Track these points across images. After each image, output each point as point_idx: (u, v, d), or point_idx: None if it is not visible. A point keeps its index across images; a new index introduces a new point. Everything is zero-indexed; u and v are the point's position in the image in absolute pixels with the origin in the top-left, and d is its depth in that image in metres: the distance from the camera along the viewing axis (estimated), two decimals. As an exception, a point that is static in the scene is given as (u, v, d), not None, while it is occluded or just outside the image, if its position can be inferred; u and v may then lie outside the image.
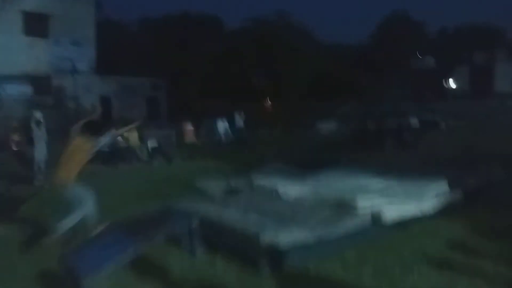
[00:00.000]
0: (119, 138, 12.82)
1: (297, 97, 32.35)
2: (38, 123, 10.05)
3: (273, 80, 34.39)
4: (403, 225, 5.55)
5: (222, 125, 17.02)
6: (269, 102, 34.72)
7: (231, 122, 18.05)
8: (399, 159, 11.12)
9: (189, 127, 17.19)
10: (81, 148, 5.48)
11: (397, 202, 5.87)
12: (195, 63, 31.91)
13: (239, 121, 18.71)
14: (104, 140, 5.88)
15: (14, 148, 13.70)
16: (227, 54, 33.03)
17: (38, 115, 10.17)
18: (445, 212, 6.06)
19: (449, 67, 38.48)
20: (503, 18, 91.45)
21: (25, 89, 21.09)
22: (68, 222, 5.27)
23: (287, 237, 4.64)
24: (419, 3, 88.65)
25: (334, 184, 6.83)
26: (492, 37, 42.63)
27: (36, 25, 21.86)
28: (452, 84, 38.74)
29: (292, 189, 6.37)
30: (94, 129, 5.64)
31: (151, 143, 13.02)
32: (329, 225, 5.10)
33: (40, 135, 9.73)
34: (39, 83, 21.76)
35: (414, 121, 19.94)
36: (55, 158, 10.91)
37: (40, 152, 9.63)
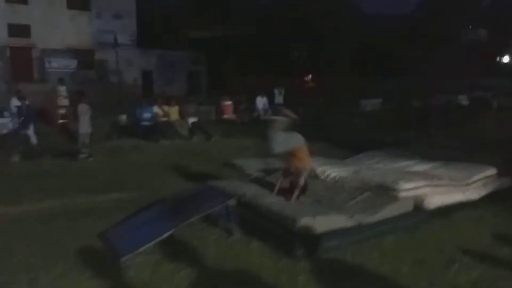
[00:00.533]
0: (160, 113, 13.01)
1: (339, 72, 31.53)
2: (82, 96, 10.30)
3: (314, 54, 33.64)
4: (446, 211, 5.35)
5: (261, 101, 16.88)
6: (310, 77, 34.11)
7: (271, 98, 17.87)
8: (445, 140, 10.69)
9: (228, 103, 17.17)
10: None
11: (441, 186, 5.64)
12: (235, 37, 31.63)
13: (279, 97, 18.51)
14: None
15: (60, 121, 14.17)
16: (267, 27, 32.48)
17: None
18: (492, 199, 5.78)
19: (503, 41, 36.26)
20: None
21: (70, 63, 21.65)
22: None
23: (323, 221, 4.57)
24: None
25: (375, 166, 6.65)
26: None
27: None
28: (506, 59, 36.63)
29: (332, 171, 6.23)
30: None
31: (191, 119, 13.11)
32: (368, 210, 4.98)
33: (84, 109, 9.95)
34: (83, 56, 22.28)
35: (463, 99, 19.11)
36: (99, 132, 11.38)
37: (84, 126, 9.87)
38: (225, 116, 16.43)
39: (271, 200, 5.22)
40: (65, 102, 14.79)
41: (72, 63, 21.85)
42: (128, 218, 5.40)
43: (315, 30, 32.00)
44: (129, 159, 9.64)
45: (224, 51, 30.80)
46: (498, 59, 36.31)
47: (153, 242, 4.22)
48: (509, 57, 36.51)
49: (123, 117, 13.27)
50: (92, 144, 10.11)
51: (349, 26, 32.53)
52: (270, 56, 31.70)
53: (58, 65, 21.17)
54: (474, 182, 5.90)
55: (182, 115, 13.22)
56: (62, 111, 14.47)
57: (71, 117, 12.60)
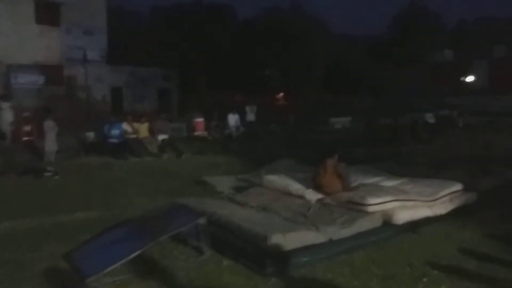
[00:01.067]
0: (129, 130, 12.81)
1: (310, 91, 32.02)
2: (48, 113, 10.06)
3: (286, 73, 34.06)
4: (414, 226, 5.43)
5: (233, 119, 16.89)
6: (282, 95, 34.43)
7: (242, 116, 17.90)
8: (413, 157, 10.91)
9: (199, 120, 17.10)
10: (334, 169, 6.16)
11: (409, 201, 5.73)
12: (207, 53, 31.74)
13: (251, 114, 18.57)
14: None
15: (24, 138, 13.73)
16: (239, 45, 32.75)
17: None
18: (458, 214, 5.91)
19: (467, 61, 37.71)
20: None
21: (37, 78, 21.15)
22: None
23: (294, 237, 4.55)
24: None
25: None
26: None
27: (47, 13, 21.87)
28: (470, 79, 38.02)
29: (301, 186, 6.25)
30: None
31: (162, 136, 12.96)
32: (338, 225, 4.99)
33: (51, 126, 9.72)
34: (51, 72, 21.81)
35: (430, 117, 19.66)
36: (66, 149, 11.10)
37: (50, 143, 9.62)
38: (196, 133, 16.33)
39: (242, 218, 5.17)
40: (9, 117, 14.24)
41: (39, 79, 21.33)
42: (95, 237, 5.21)
43: (287, 49, 32.49)
44: (96, 177, 9.41)
45: (196, 68, 30.82)
46: (462, 79, 37.65)
47: (120, 262, 4.08)
48: (473, 77, 37.93)
49: (91, 134, 13.01)
50: (58, 161, 9.86)
51: (320, 46, 33.19)
52: (242, 73, 31.91)
53: (24, 81, 20.60)
54: (441, 197, 6.02)
55: (152, 132, 13.07)
56: (27, 128, 14.04)
57: (37, 134, 12.26)
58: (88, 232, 5.40)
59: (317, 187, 6.14)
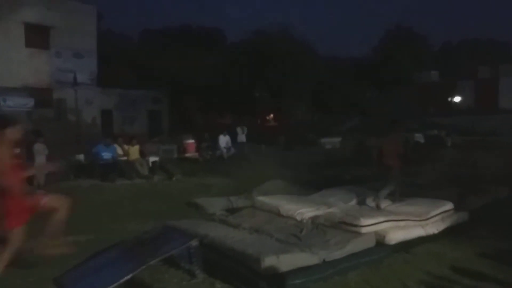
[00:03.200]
0: (120, 152, 12.74)
1: (300, 112, 32.27)
2: (38, 136, 9.99)
3: (275, 94, 34.31)
4: (407, 246, 5.43)
5: (223, 140, 16.91)
6: (272, 116, 34.63)
7: (233, 137, 17.94)
8: (403, 176, 10.96)
9: (190, 141, 17.08)
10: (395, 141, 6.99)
11: (401, 222, 5.75)
12: (197, 76, 31.91)
13: (241, 135, 18.61)
14: None
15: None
16: (228, 67, 33.01)
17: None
18: (450, 233, 5.93)
19: (454, 82, 38.44)
20: (507, 33, 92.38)
21: (26, 101, 21.06)
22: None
23: (288, 259, 4.52)
24: (422, 18, 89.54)
25: (337, 202, 6.71)
26: (495, 52, 42.66)
27: (37, 36, 21.91)
28: (457, 99, 38.68)
29: (294, 208, 6.23)
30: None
31: (152, 158, 12.91)
32: (331, 246, 4.98)
33: (40, 149, 9.63)
34: (40, 95, 21.75)
35: (419, 137, 19.88)
36: (56, 172, 10.95)
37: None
38: (187, 155, 16.30)
39: (234, 240, 5.13)
40: (20, 141, 14.19)
41: (29, 102, 21.23)
42: (85, 261, 5.14)
43: (276, 71, 32.80)
44: (86, 200, 9.28)
45: (186, 90, 30.91)
46: (449, 99, 38.28)
47: (111, 287, 4.02)
48: (460, 97, 38.60)
49: (81, 157, 12.91)
50: (47, 184, 9.73)
51: (308, 68, 33.55)
52: (232, 95, 32.05)
53: (13, 103, 20.48)
54: (433, 217, 6.05)
55: (143, 154, 13.02)
56: (16, 151, 13.88)
57: (26, 157, 12.12)
58: (78, 256, 5.32)
59: (379, 159, 6.98)
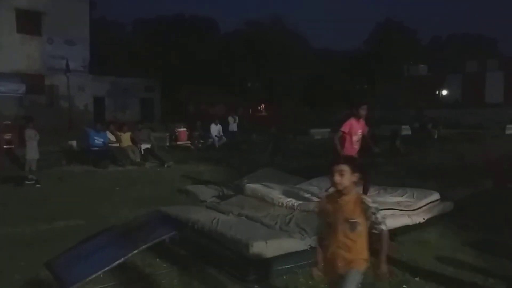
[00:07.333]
0: (112, 138, 12.75)
1: (291, 103, 32.37)
2: (29, 121, 9.95)
3: (267, 85, 34.37)
4: (393, 235, 5.53)
5: (215, 128, 16.96)
6: (264, 107, 34.71)
7: (225, 126, 18.00)
8: (391, 167, 11.12)
9: (182, 130, 17.11)
10: None
11: (388, 211, 5.86)
12: (189, 65, 31.82)
13: (233, 125, 18.67)
14: None
15: (5, 146, 13.52)
16: (221, 57, 32.95)
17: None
18: (436, 222, 6.06)
19: (442, 76, 38.71)
20: (494, 29, 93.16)
21: (18, 87, 20.90)
22: None
23: (276, 245, 4.61)
24: (412, 12, 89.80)
25: (325, 191, 6.80)
26: (483, 47, 43.01)
27: (28, 22, 21.70)
28: (445, 92, 38.98)
29: (284, 196, 6.33)
30: None
31: (144, 145, 12.93)
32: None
33: (32, 135, 9.61)
34: (32, 81, 21.59)
35: (406, 129, 20.08)
36: (48, 158, 10.95)
37: (31, 152, 9.51)
38: (179, 143, 16.34)
39: (224, 226, 5.21)
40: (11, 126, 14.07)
41: (20, 88, 21.07)
42: (76, 246, 5.20)
43: (268, 62, 32.83)
44: (78, 185, 9.35)
45: (179, 79, 30.84)
46: (437, 92, 38.56)
47: (102, 271, 4.07)
48: (447, 91, 38.89)
49: (73, 143, 12.90)
50: (39, 170, 9.74)
51: (299, 60, 33.61)
52: (224, 85, 32.04)
53: (5, 89, 20.31)
54: (420, 207, 6.17)
55: (135, 141, 13.04)
56: (7, 136, 13.84)
57: (17, 142, 12.11)
58: (69, 241, 5.38)
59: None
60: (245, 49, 32.87)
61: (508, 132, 21.81)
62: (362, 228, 2.83)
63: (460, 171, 9.68)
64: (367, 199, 2.92)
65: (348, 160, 2.95)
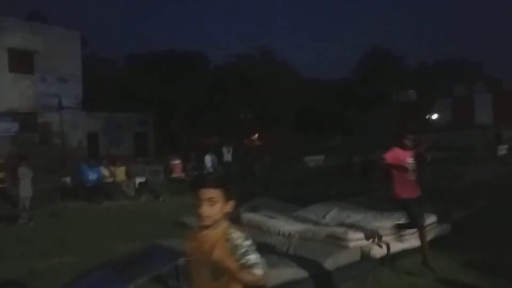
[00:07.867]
0: (106, 173, 12.72)
1: (284, 132, 32.61)
2: (22, 159, 9.92)
3: (260, 115, 34.69)
4: (391, 259, 5.52)
5: (210, 160, 16.96)
6: (257, 136, 34.85)
7: (219, 156, 18.01)
8: (386, 192, 11.12)
9: (176, 162, 17.10)
10: None
11: (387, 236, 5.85)
12: (182, 99, 32.11)
13: (227, 155, 18.67)
14: None
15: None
16: (213, 90, 33.35)
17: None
18: (434, 245, 6.04)
19: (431, 100, 39.32)
20: (480, 53, 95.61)
21: (10, 126, 20.91)
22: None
23: (274, 274, 4.57)
24: (398, 39, 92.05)
25: (323, 217, 6.80)
26: (469, 71, 43.94)
27: (21, 61, 21.91)
28: (435, 116, 39.46)
29: (280, 223, 6.31)
30: None
31: (138, 179, 12.90)
32: (318, 261, 5.05)
33: (25, 172, 9.57)
34: (25, 119, 21.62)
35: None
36: (41, 195, 10.86)
37: (25, 190, 9.44)
38: (174, 175, 16.29)
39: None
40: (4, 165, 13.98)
41: (13, 127, 21.10)
42: (71, 282, 5.11)
43: (259, 93, 33.29)
44: (72, 222, 9.26)
45: (171, 112, 31.06)
46: (427, 117, 39.06)
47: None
48: (437, 114, 39.43)
49: (67, 179, 12.85)
50: (33, 207, 9.65)
51: (290, 89, 34.11)
52: (217, 116, 32.28)
53: (-3, 128, 20.39)
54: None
55: (129, 175, 13.01)
56: (0, 175, 13.74)
57: (10, 181, 12.02)
58: (65, 278, 5.28)
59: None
60: (236, 81, 33.36)
61: (500, 153, 22.03)
62: (230, 275, 1.97)
63: (455, 193, 9.72)
64: (237, 234, 2.07)
65: (222, 182, 2.15)
